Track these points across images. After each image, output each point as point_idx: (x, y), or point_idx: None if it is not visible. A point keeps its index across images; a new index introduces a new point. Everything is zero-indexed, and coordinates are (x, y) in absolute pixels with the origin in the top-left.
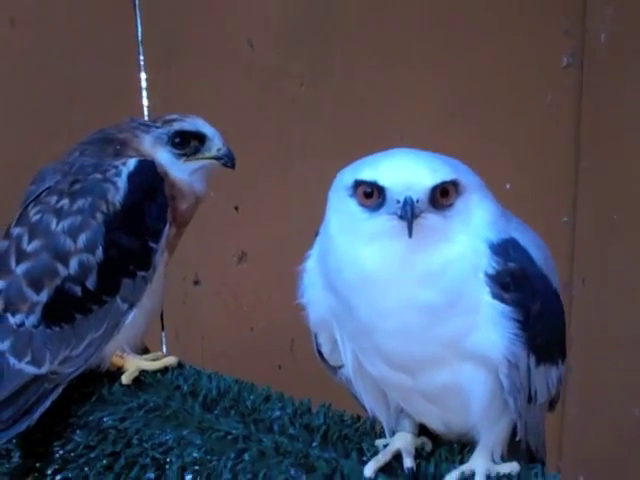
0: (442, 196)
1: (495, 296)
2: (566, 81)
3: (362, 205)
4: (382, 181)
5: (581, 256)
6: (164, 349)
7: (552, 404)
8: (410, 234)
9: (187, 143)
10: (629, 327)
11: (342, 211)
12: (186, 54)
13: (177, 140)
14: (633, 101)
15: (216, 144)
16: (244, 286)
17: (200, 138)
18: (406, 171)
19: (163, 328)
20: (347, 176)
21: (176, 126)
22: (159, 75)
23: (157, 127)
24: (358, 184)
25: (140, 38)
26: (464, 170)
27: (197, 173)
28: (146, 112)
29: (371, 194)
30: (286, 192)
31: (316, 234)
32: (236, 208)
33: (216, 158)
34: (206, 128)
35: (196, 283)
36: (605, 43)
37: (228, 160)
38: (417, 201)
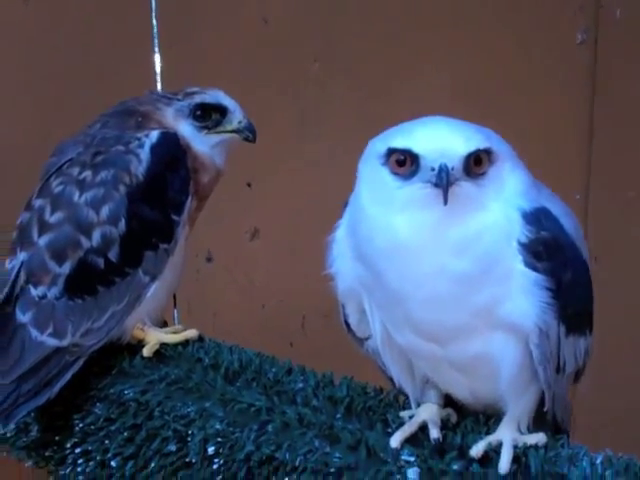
0: (475, 164)
1: (528, 265)
2: (580, 58)
3: (395, 174)
4: (416, 148)
5: (593, 234)
6: (176, 325)
7: (577, 375)
8: (445, 202)
9: (208, 116)
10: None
11: (374, 180)
12: (200, 30)
13: (198, 113)
14: None
15: (237, 117)
16: (256, 263)
17: (221, 111)
18: (441, 138)
19: (175, 305)
20: (379, 144)
21: (197, 99)
22: (173, 51)
23: (179, 100)
24: (391, 152)
25: (154, 15)
26: (496, 139)
27: (218, 146)
28: (159, 87)
29: (404, 162)
30: (299, 168)
31: (344, 204)
32: (249, 185)
33: (237, 131)
34: (227, 101)
35: (208, 260)
36: (620, 19)
37: (249, 133)
38: (452, 169)
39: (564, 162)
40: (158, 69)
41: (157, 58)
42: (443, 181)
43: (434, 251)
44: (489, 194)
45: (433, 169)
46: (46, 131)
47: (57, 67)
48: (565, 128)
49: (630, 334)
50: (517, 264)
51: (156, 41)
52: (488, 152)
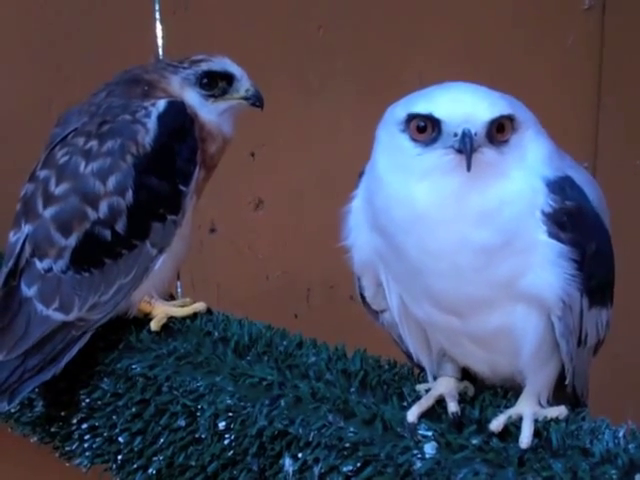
0: (498, 131)
1: (552, 235)
2: (588, 23)
3: (415, 140)
4: (438, 113)
5: None
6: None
7: (596, 348)
8: (469, 168)
9: (215, 84)
10: None
11: (392, 148)
12: None
13: (205, 81)
14: None
15: (244, 84)
16: (260, 234)
17: (228, 78)
18: (464, 103)
19: (179, 277)
20: (398, 110)
21: (204, 66)
22: (175, 17)
23: (185, 68)
24: (411, 118)
25: None
26: (519, 106)
27: (225, 114)
28: (161, 54)
29: (425, 128)
30: (303, 138)
31: (360, 174)
32: (252, 154)
33: (244, 99)
34: (234, 68)
35: (212, 231)
36: None
37: (256, 100)
38: (475, 134)
39: (571, 130)
40: (159, 36)
41: (158, 25)
42: (467, 146)
43: (455, 221)
44: (511, 162)
45: (456, 134)
46: (47, 98)
47: (57, 34)
48: (572, 95)
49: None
50: (541, 235)
51: (157, 7)
52: (511, 119)
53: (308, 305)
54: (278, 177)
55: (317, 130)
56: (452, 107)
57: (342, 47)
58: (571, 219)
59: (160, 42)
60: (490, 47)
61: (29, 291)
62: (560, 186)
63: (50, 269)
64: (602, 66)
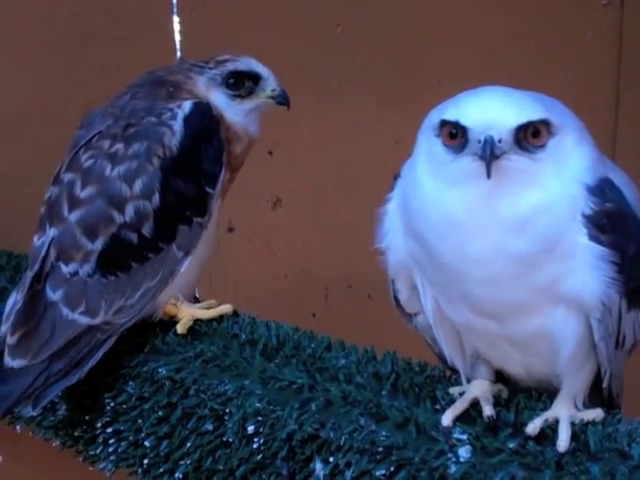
0: (533, 137)
1: (592, 238)
2: (606, 19)
3: (447, 146)
4: (464, 120)
5: None
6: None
7: (630, 350)
8: (488, 175)
9: (241, 84)
10: None
11: (429, 152)
12: None
13: (231, 81)
14: None
15: (270, 84)
16: (278, 233)
17: (254, 78)
18: (489, 109)
19: None
20: (434, 116)
21: (230, 66)
22: (192, 14)
23: (210, 68)
24: (443, 124)
25: None
26: (560, 110)
27: (251, 114)
28: (179, 54)
29: (455, 135)
30: (321, 136)
31: (395, 177)
32: (270, 153)
33: (271, 98)
34: (260, 68)
35: (230, 230)
36: None
37: (283, 99)
38: (499, 141)
39: (590, 127)
40: (177, 33)
41: (176, 22)
42: (486, 153)
43: (486, 229)
44: (547, 168)
45: (480, 141)
46: (64, 96)
47: (73, 33)
48: (591, 90)
49: None
50: (581, 238)
51: (175, 3)
52: (546, 123)
53: (326, 304)
54: (296, 176)
55: (335, 129)
56: (477, 113)
57: (361, 45)
58: (611, 221)
59: (177, 39)
60: (508, 45)
61: (54, 295)
62: (600, 188)
63: (76, 273)
64: (621, 62)
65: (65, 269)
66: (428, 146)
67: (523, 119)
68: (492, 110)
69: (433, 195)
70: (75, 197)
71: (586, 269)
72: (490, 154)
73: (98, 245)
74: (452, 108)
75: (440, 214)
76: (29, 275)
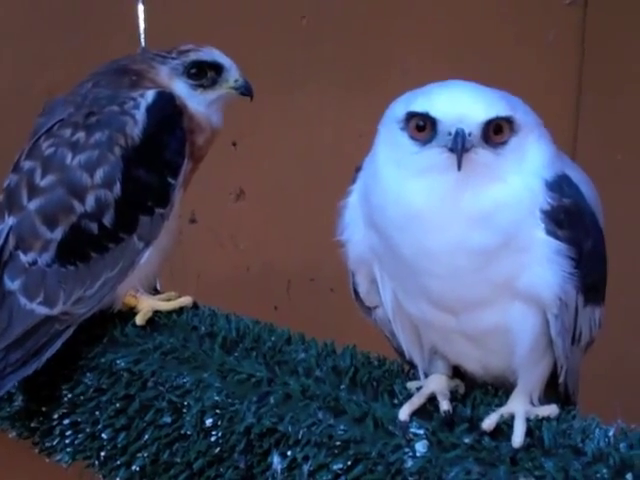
0: (495, 133)
1: (549, 233)
2: (569, 19)
3: (413, 138)
4: (434, 112)
5: None
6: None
7: (586, 347)
8: (459, 167)
9: (204, 74)
10: (628, 265)
11: (392, 145)
12: None
13: (193, 71)
14: (638, 38)
15: (233, 75)
16: (241, 225)
17: (217, 69)
18: (460, 102)
19: None
20: (399, 108)
21: (192, 56)
22: (157, 3)
23: (173, 58)
24: (410, 116)
25: None
26: (522, 108)
27: (214, 105)
28: (143, 42)
29: (424, 127)
30: (286, 128)
31: (357, 169)
32: (234, 144)
33: (233, 89)
34: (222, 58)
35: (192, 221)
36: None
37: (246, 90)
38: (469, 134)
39: (551, 124)
40: (141, 21)
41: (141, 9)
42: (458, 145)
43: (450, 222)
44: (508, 164)
45: (450, 133)
46: (26, 83)
47: (37, 20)
48: (553, 89)
49: (629, 298)
50: (539, 233)
51: None
52: (509, 121)
53: (289, 297)
54: (260, 168)
55: (300, 121)
56: (448, 106)
57: (326, 37)
58: (568, 217)
59: (142, 27)
60: (472, 41)
61: (12, 284)
62: (558, 184)
63: (35, 262)
64: (583, 62)
65: (24, 258)
66: (391, 137)
67: (492, 114)
68: (463, 103)
69: (394, 187)
70: (35, 185)
71: (543, 264)
72: (462, 147)
73: (58, 234)
74: (421, 100)
75: (400, 206)
76: None
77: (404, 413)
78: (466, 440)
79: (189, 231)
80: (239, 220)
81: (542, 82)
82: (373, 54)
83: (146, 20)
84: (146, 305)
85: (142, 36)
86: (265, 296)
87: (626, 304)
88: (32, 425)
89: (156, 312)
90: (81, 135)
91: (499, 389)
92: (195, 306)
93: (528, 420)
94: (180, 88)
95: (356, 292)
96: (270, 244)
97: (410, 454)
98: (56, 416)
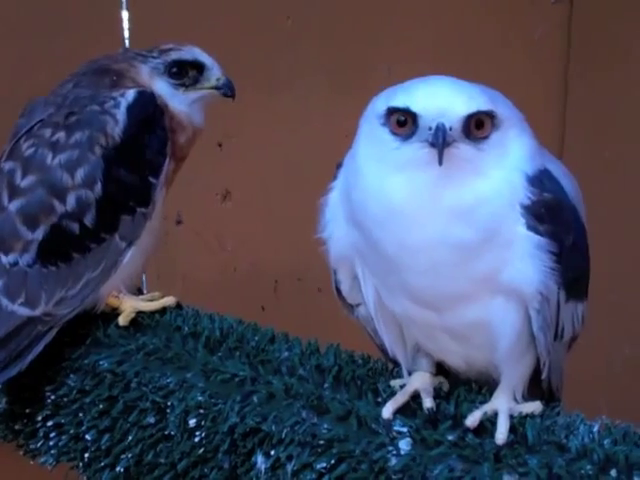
0: (477, 128)
1: (530, 228)
2: (555, 16)
3: (394, 134)
4: (415, 107)
5: None
6: (144, 289)
7: (570, 343)
8: (440, 162)
9: (185, 73)
10: (617, 264)
11: (373, 140)
12: None
13: (175, 70)
14: (622, 36)
15: (215, 74)
16: (227, 226)
17: (198, 68)
18: (440, 97)
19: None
20: (379, 103)
21: (173, 55)
22: (140, 4)
23: (154, 57)
24: (391, 112)
25: None
26: (503, 103)
27: (196, 104)
28: (127, 41)
29: (404, 123)
30: (271, 129)
31: (338, 165)
32: (220, 145)
33: (215, 88)
34: (204, 57)
35: (178, 223)
36: None
37: (228, 89)
38: (450, 129)
39: (538, 122)
40: (125, 21)
41: (124, 11)
42: (439, 140)
43: (430, 218)
44: (490, 159)
45: (431, 128)
46: (9, 86)
47: (21, 22)
48: (540, 87)
49: (613, 296)
50: (519, 228)
51: None
52: (491, 115)
53: (275, 297)
54: (246, 169)
55: (285, 121)
56: (428, 101)
57: (311, 38)
58: (549, 211)
59: (126, 28)
60: (458, 39)
61: None
62: (538, 179)
63: (16, 263)
64: (569, 59)
65: (5, 259)
66: (372, 133)
67: (473, 108)
68: (444, 98)
69: (375, 183)
70: (15, 186)
71: (525, 258)
72: (442, 141)
73: (38, 235)
74: (401, 95)
75: (381, 202)
76: None
77: (388, 411)
78: (450, 437)
79: (175, 232)
80: (225, 221)
81: (529, 80)
82: (358, 54)
83: (130, 25)
84: (129, 306)
85: (126, 41)
86: (252, 296)
87: (611, 300)
88: (16, 427)
89: (139, 312)
90: (61, 135)
91: (483, 386)
92: (179, 306)
93: (512, 417)
94: (161, 87)
95: (338, 290)
96: (257, 244)
97: (394, 452)
98: (40, 418)
